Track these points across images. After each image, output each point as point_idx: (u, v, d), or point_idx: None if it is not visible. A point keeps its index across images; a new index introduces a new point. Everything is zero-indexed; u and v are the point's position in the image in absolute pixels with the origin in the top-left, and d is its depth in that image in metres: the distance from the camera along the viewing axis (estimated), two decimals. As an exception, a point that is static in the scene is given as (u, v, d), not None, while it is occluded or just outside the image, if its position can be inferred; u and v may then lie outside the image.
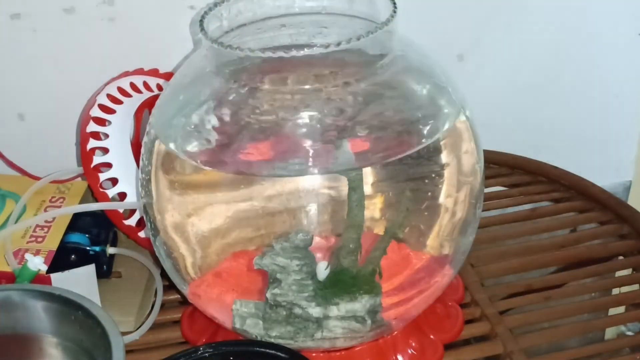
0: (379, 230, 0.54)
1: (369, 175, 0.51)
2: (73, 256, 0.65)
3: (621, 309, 0.69)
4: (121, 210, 0.66)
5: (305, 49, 0.48)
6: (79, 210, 0.66)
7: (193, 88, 0.55)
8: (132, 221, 0.67)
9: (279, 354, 0.52)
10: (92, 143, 0.66)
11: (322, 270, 0.53)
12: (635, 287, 0.69)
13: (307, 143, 0.50)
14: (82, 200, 0.70)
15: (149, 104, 0.68)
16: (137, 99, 0.69)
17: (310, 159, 0.50)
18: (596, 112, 0.91)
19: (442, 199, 0.54)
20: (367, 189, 0.51)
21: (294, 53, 0.48)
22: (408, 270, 0.56)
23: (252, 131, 0.52)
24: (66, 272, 0.60)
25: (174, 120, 0.55)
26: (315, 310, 0.53)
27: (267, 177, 0.52)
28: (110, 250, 0.67)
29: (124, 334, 0.55)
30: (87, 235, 0.67)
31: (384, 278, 0.54)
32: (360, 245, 0.53)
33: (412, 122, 0.53)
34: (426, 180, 0.53)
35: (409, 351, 0.59)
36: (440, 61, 0.56)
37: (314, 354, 0.57)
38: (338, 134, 0.51)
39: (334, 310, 0.53)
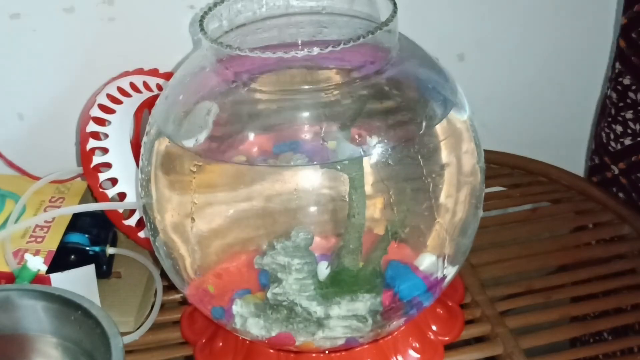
0: (380, 230, 0.54)
1: (369, 174, 0.51)
2: (73, 256, 0.65)
3: (621, 309, 0.69)
4: (121, 211, 0.66)
5: (305, 49, 0.48)
6: (79, 210, 0.66)
7: (193, 88, 0.55)
8: (131, 221, 0.67)
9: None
10: (92, 143, 0.66)
11: (323, 269, 0.53)
12: (635, 287, 0.69)
13: (308, 139, 0.50)
14: (82, 200, 0.70)
15: (149, 103, 0.68)
16: (137, 99, 0.69)
17: (311, 153, 0.50)
18: (596, 112, 0.91)
19: (442, 199, 0.54)
20: (368, 189, 0.51)
21: (293, 53, 0.48)
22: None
23: (252, 130, 0.52)
24: (66, 272, 0.60)
25: (174, 119, 0.55)
26: (316, 310, 0.53)
27: (267, 167, 0.51)
28: (110, 250, 0.67)
29: (123, 334, 0.55)
30: (86, 235, 0.67)
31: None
32: (361, 245, 0.53)
33: (410, 118, 0.53)
34: (426, 180, 0.53)
35: (409, 351, 0.59)
36: (440, 61, 0.56)
37: (314, 354, 0.57)
38: (337, 130, 0.51)
39: (335, 310, 0.53)
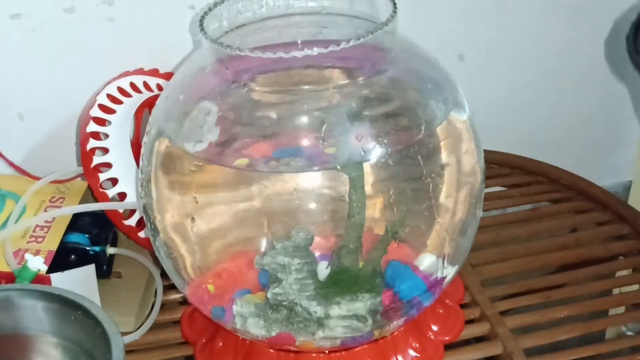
0: (380, 230, 0.54)
1: (369, 174, 0.51)
2: (73, 256, 0.65)
3: (621, 309, 0.69)
4: (121, 210, 0.66)
5: (305, 49, 0.48)
6: (79, 210, 0.66)
7: (193, 88, 0.55)
8: (132, 221, 0.67)
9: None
10: (92, 143, 0.66)
11: (323, 269, 0.53)
12: (635, 287, 0.69)
13: (308, 141, 0.50)
14: (82, 200, 0.70)
15: (149, 104, 0.68)
16: (137, 99, 0.69)
17: (311, 156, 0.50)
18: (596, 112, 0.91)
19: (442, 199, 0.54)
20: (368, 188, 0.51)
21: (293, 53, 0.48)
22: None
23: (252, 130, 0.52)
24: (66, 272, 0.60)
25: (174, 120, 0.55)
26: (316, 310, 0.53)
27: (268, 173, 0.52)
28: (110, 250, 0.67)
29: (124, 334, 0.55)
30: (87, 235, 0.67)
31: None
32: (361, 245, 0.53)
33: (411, 119, 0.53)
34: (426, 180, 0.53)
35: (409, 351, 0.59)
36: (440, 61, 0.56)
37: (314, 354, 0.57)
38: (338, 131, 0.51)
39: (335, 310, 0.53)
